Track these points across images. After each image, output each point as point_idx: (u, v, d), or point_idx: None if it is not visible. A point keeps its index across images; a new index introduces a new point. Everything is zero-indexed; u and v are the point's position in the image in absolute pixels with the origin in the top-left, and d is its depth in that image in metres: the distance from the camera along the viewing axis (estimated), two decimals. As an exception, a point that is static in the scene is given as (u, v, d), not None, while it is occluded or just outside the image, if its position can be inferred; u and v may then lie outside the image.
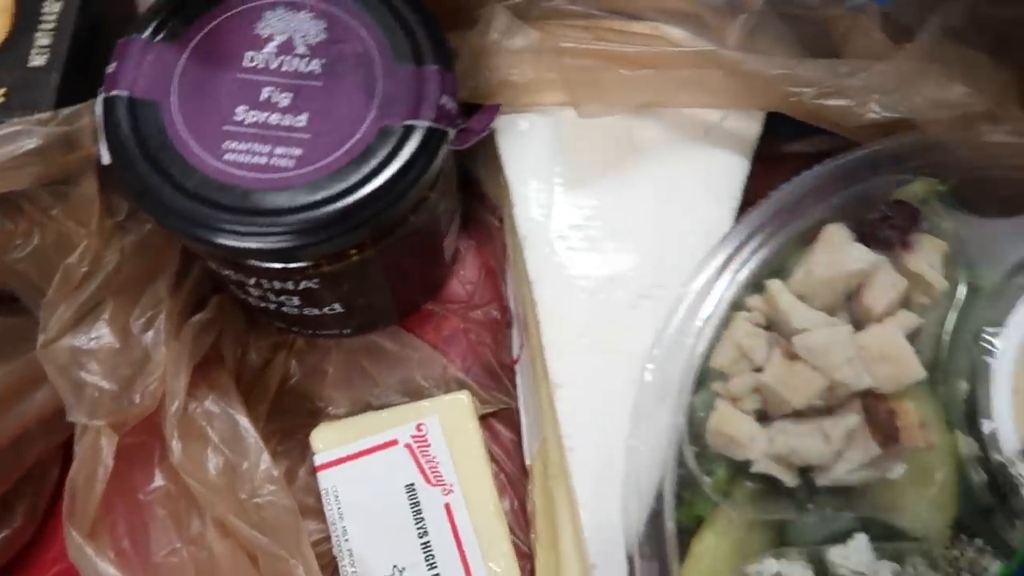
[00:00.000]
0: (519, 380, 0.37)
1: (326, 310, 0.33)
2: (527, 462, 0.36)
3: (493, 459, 0.37)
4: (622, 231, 0.33)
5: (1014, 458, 0.27)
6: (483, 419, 0.38)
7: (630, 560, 0.30)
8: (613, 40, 0.34)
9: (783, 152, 0.37)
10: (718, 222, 0.33)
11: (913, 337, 0.30)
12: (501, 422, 0.38)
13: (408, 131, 0.27)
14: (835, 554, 0.26)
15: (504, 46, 0.33)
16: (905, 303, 0.30)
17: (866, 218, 0.30)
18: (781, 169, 0.33)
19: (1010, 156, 0.31)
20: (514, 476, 0.37)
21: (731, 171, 0.35)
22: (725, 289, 0.30)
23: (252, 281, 0.29)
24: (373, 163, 0.27)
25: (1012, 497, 0.27)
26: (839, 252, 0.30)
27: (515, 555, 0.33)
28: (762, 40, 0.34)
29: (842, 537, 0.27)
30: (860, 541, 0.26)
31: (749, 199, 0.34)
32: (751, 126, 0.36)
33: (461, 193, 0.38)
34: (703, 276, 0.30)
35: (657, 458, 0.28)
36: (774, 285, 0.30)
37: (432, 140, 0.27)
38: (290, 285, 0.29)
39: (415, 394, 0.38)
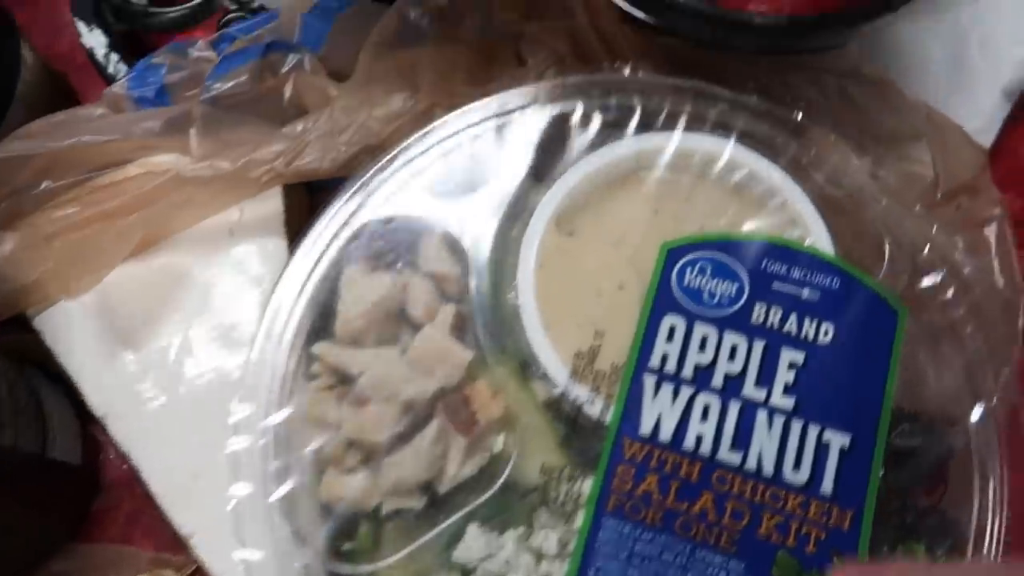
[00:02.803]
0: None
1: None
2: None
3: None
4: (191, 360, 0.35)
5: (567, 384, 0.31)
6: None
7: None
8: (102, 198, 0.35)
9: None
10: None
11: (463, 321, 0.33)
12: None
13: None
14: (458, 555, 0.29)
15: (-8, 262, 0.33)
16: (445, 297, 0.33)
17: (375, 248, 0.33)
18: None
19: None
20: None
21: (269, 252, 0.37)
22: (284, 365, 0.32)
23: None
24: None
25: (580, 418, 0.31)
26: (360, 290, 0.32)
27: None
28: (227, 134, 0.36)
29: (462, 534, 0.29)
30: (470, 532, 0.29)
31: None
32: (273, 204, 0.38)
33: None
34: (255, 363, 0.32)
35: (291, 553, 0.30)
36: (319, 347, 0.32)
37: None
38: None
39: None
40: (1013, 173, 0.45)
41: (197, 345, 0.35)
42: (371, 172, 0.34)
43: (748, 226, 0.33)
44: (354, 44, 0.38)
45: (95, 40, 0.43)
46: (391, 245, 0.33)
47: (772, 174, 0.33)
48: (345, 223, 0.33)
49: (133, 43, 0.46)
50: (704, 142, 0.34)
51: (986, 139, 0.44)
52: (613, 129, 0.34)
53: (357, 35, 0.38)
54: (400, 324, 0.33)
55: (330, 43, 0.38)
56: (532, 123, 0.34)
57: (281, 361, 0.32)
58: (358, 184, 0.33)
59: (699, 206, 0.34)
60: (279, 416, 0.30)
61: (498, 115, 0.34)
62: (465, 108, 0.35)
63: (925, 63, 0.45)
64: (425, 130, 0.34)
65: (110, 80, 0.43)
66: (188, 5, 0.45)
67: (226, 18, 0.45)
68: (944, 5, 0.44)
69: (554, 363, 0.31)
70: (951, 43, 0.45)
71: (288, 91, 0.36)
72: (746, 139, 0.34)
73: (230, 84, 0.34)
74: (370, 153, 0.35)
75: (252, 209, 0.37)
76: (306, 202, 0.40)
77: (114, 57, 0.43)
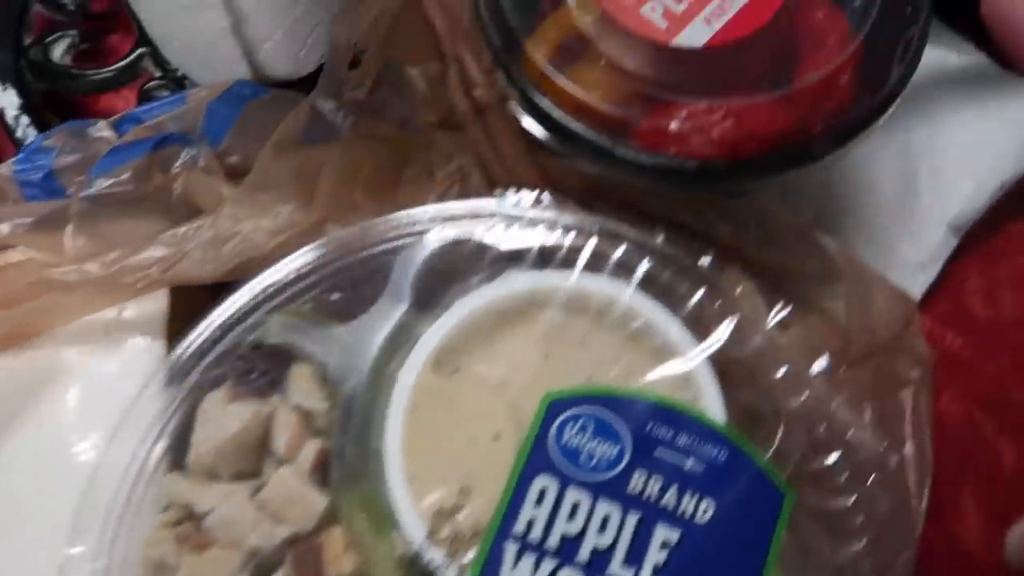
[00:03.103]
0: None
1: None
2: None
3: None
4: (39, 478, 0.33)
5: (423, 545, 0.29)
6: None
7: None
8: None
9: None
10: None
11: (328, 460, 0.31)
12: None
13: None
14: None
15: None
16: (312, 432, 0.31)
17: (240, 374, 0.31)
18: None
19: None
20: None
21: (146, 358, 0.35)
22: (126, 497, 0.30)
23: None
24: None
25: (433, 583, 0.29)
26: (218, 419, 0.30)
27: None
28: (106, 234, 0.34)
29: None
30: None
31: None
32: (156, 304, 0.36)
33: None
34: (92, 493, 0.30)
35: None
36: (167, 479, 0.30)
37: None
38: None
39: None
40: (956, 310, 0.43)
41: (49, 460, 0.33)
42: (245, 290, 0.32)
43: (640, 380, 0.31)
44: (261, 135, 0.36)
45: (7, 101, 0.42)
46: (258, 372, 0.31)
47: (669, 327, 0.31)
48: (212, 344, 0.31)
49: (57, 103, 0.45)
50: (603, 285, 0.32)
51: (929, 274, 0.42)
52: (509, 261, 0.32)
53: (266, 126, 0.37)
54: (263, 456, 0.31)
55: (235, 134, 0.36)
56: (423, 248, 0.32)
57: (123, 492, 0.30)
58: (229, 303, 0.32)
59: (592, 353, 0.32)
60: (112, 557, 0.29)
61: (388, 238, 0.33)
62: (356, 226, 0.33)
63: (873, 187, 0.43)
64: (310, 247, 0.32)
65: (18, 145, 0.41)
66: (112, 68, 0.44)
67: (148, 85, 0.43)
68: (895, 123, 0.42)
69: (412, 519, 0.29)
70: (901, 167, 0.43)
71: (178, 189, 0.34)
72: (648, 285, 0.32)
73: (109, 182, 0.33)
74: (254, 266, 0.33)
75: (134, 307, 0.35)
76: (205, 296, 0.38)
77: (24, 120, 0.41)
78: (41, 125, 0.42)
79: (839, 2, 0.33)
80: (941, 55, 0.44)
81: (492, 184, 0.34)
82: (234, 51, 0.38)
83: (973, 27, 0.44)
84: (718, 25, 0.32)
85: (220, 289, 0.33)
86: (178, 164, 0.34)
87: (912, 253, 0.41)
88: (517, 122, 0.32)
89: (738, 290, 0.32)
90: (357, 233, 0.33)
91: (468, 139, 0.33)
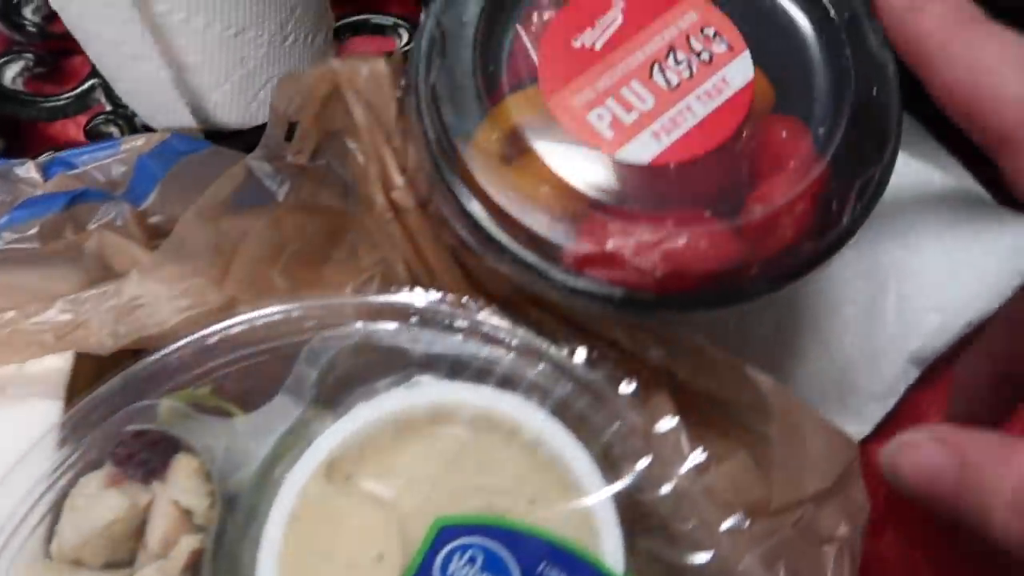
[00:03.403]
0: None
1: None
2: None
3: None
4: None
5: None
6: None
7: None
8: None
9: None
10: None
11: (202, 561, 0.29)
12: None
13: None
14: None
15: None
16: (192, 527, 0.30)
17: (119, 461, 0.30)
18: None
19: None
20: None
21: (41, 417, 0.33)
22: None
23: None
24: None
25: None
26: (87, 509, 0.29)
27: None
28: (14, 288, 0.32)
29: None
30: None
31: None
32: (58, 361, 0.34)
33: None
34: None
35: None
36: (25, 567, 0.28)
37: None
38: None
39: None
40: (911, 444, 0.41)
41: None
42: (139, 368, 0.30)
43: (540, 513, 0.29)
44: (192, 195, 0.35)
45: (-53, 124, 0.41)
46: (140, 460, 0.29)
47: (577, 463, 0.29)
48: (96, 423, 0.30)
49: (6, 126, 0.43)
50: (514, 406, 0.30)
51: (886, 404, 0.40)
52: (420, 368, 0.31)
53: (198, 185, 0.35)
54: (138, 545, 0.30)
55: (161, 192, 0.35)
56: (332, 344, 0.31)
57: (-17, 574, 0.28)
58: (119, 380, 0.30)
59: (494, 477, 0.30)
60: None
61: (297, 329, 0.31)
62: (262, 312, 0.31)
63: (837, 306, 0.40)
64: (214, 328, 0.31)
65: (-42, 168, 0.40)
66: (64, 97, 0.42)
67: (96, 119, 0.42)
68: (867, 241, 0.40)
69: (279, 649, 0.27)
70: (868, 288, 0.40)
71: (91, 248, 0.32)
72: (562, 411, 0.30)
73: (15, 238, 0.31)
74: (156, 341, 0.31)
75: (35, 363, 0.33)
76: (121, 353, 0.36)
77: (-38, 145, 0.40)
78: (-15, 152, 0.41)
79: (806, 119, 0.31)
80: (925, 172, 0.41)
81: (415, 280, 0.32)
82: (178, 100, 0.37)
83: (963, 144, 0.42)
84: (667, 141, 0.30)
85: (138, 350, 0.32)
86: (94, 222, 0.33)
87: (870, 381, 0.39)
88: (440, 223, 0.30)
89: (658, 425, 0.30)
90: (265, 318, 0.31)
91: (388, 237, 0.31)
